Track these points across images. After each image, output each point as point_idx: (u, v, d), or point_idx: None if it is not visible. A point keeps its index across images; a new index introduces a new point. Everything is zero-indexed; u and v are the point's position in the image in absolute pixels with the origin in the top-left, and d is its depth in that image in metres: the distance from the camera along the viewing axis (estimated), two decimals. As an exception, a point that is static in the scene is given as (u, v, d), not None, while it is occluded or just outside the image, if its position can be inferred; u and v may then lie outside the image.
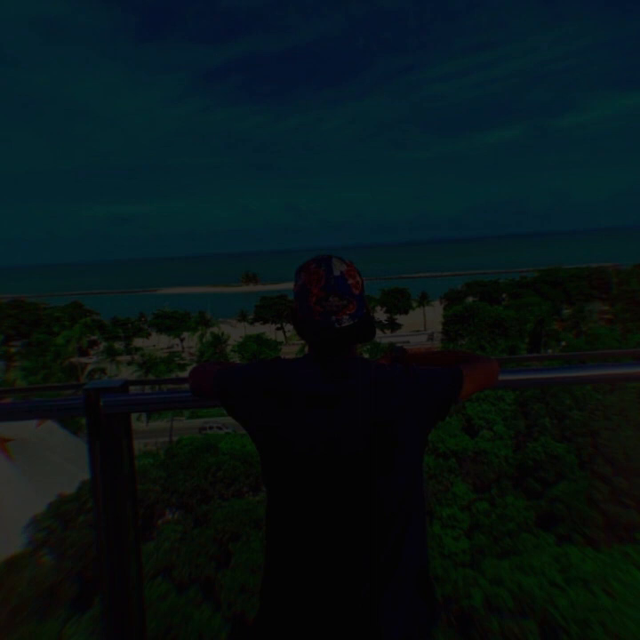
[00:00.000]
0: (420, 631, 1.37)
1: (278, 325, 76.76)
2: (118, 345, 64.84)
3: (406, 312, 78.66)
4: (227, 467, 18.28)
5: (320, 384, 1.34)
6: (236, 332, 69.84)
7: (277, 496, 1.39)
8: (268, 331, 71.66)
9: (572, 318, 59.35)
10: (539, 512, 16.58)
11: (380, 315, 76.59)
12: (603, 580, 7.99)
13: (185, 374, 1.90)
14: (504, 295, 73.65)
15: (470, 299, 70.33)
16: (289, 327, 74.41)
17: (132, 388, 1.80)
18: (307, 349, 1.44)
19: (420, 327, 75.61)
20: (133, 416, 1.85)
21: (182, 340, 74.29)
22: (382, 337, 60.91)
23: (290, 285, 1.62)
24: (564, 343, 47.64)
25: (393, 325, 77.16)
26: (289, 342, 62.89)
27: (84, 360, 58.33)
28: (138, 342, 74.52)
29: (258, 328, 74.12)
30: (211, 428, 34.63)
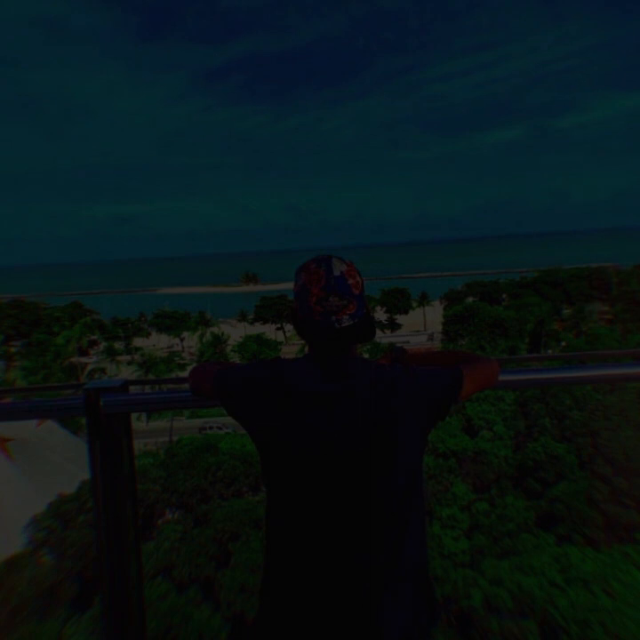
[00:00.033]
0: (420, 631, 1.37)
1: (278, 325, 76.76)
2: (118, 345, 64.87)
3: (406, 312, 78.67)
4: (226, 466, 18.29)
5: (320, 384, 1.34)
6: (235, 331, 69.85)
7: (277, 496, 1.39)
8: (268, 331, 71.66)
9: (572, 318, 59.36)
10: (539, 512, 16.58)
11: (380, 315, 76.59)
12: (603, 580, 8.00)
13: (185, 374, 1.90)
14: (504, 295, 73.67)
15: (470, 299, 70.32)
16: (289, 327, 74.42)
17: (132, 388, 1.80)
18: (307, 349, 1.44)
19: (420, 327, 75.61)
20: (133, 416, 1.85)
21: (182, 340, 74.30)
22: (382, 337, 60.92)
23: (290, 285, 1.62)
24: (564, 343, 47.65)
25: (393, 325, 77.16)
26: (289, 342, 62.90)
27: (83, 360, 58.34)
28: (138, 342, 74.51)
29: (258, 328, 74.13)
30: (211, 427, 34.64)
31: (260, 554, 12.62)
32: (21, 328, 67.48)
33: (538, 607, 8.30)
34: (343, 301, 1.36)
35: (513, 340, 47.83)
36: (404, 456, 1.34)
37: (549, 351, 49.24)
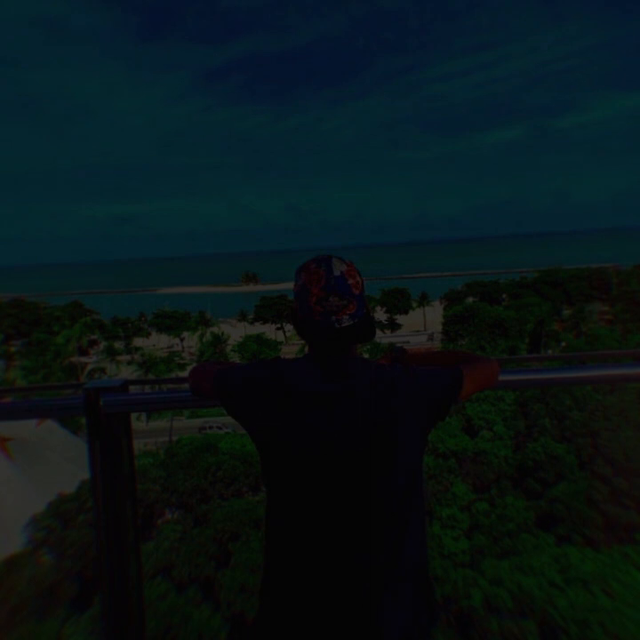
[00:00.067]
0: (419, 631, 1.37)
1: (278, 325, 76.77)
2: (118, 344, 64.84)
3: (406, 312, 78.66)
4: (226, 466, 18.29)
5: (320, 384, 1.34)
6: (235, 331, 69.86)
7: (277, 496, 1.39)
8: (268, 331, 71.67)
9: (572, 319, 59.36)
10: (538, 512, 16.59)
11: (380, 315, 76.59)
12: (602, 580, 8.00)
13: (185, 374, 1.90)
14: (504, 295, 73.67)
15: (470, 299, 70.34)
16: (289, 327, 74.43)
17: (132, 388, 1.80)
18: (307, 349, 1.44)
19: (420, 327, 75.62)
20: (133, 416, 1.85)
21: (182, 340, 74.30)
22: (382, 337, 60.92)
23: (290, 285, 1.62)
24: (564, 344, 47.66)
25: (393, 325, 77.16)
26: (289, 342, 62.90)
27: (83, 359, 58.35)
28: (138, 342, 74.53)
29: (258, 328, 74.14)
30: (210, 427, 34.64)
31: (259, 554, 12.62)
32: (21, 327, 67.48)
33: (537, 607, 8.30)
34: (343, 301, 1.36)
35: (513, 341, 47.84)
36: (404, 456, 1.33)
37: (549, 351, 49.24)
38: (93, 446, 1.71)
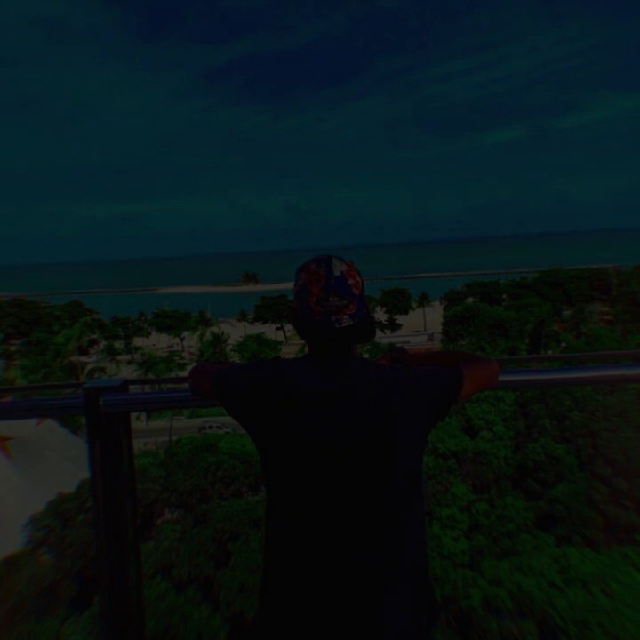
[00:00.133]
0: (419, 631, 1.37)
1: (278, 325, 76.78)
2: (118, 344, 64.83)
3: (406, 312, 78.66)
4: (226, 466, 18.29)
5: (320, 384, 1.34)
6: (235, 331, 69.87)
7: (277, 496, 1.39)
8: (268, 330, 71.66)
9: (573, 319, 59.35)
10: (538, 513, 16.59)
11: (380, 315, 76.59)
12: (602, 581, 8.00)
13: (185, 374, 1.90)
14: (504, 296, 73.66)
15: (470, 299, 70.34)
16: (289, 327, 74.44)
17: (132, 388, 1.80)
18: (307, 349, 1.44)
19: (420, 327, 75.62)
20: (133, 415, 1.85)
21: (182, 340, 74.31)
22: (382, 337, 60.92)
23: (290, 285, 1.62)
24: (564, 344, 47.64)
25: (393, 325, 77.15)
26: (289, 342, 62.91)
27: (83, 359, 58.33)
28: (138, 341, 74.53)
29: (258, 328, 74.14)
30: (210, 427, 34.64)
31: (259, 554, 12.62)
32: (21, 327, 67.51)
33: (537, 608, 8.30)
34: (343, 301, 1.36)
35: (513, 341, 47.84)
36: (404, 456, 1.34)
37: (549, 352, 49.25)
38: (93, 446, 1.71)
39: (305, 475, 1.32)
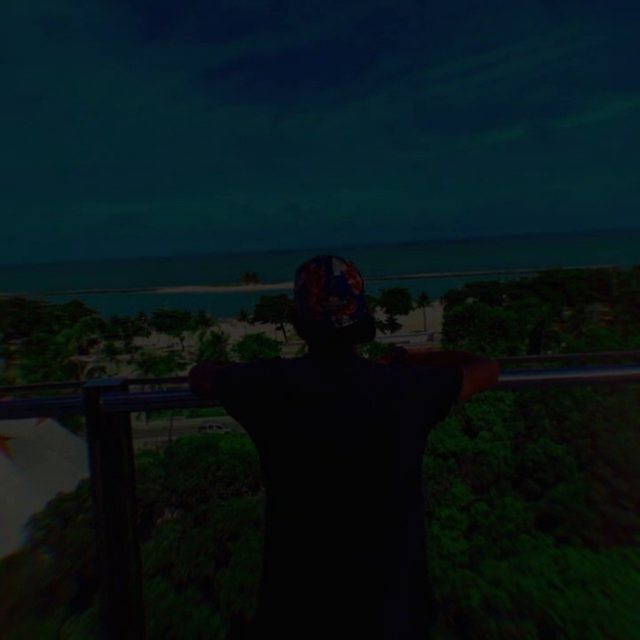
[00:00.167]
0: (419, 631, 1.38)
1: (278, 325, 76.79)
2: (118, 344, 64.81)
3: (406, 312, 78.66)
4: (226, 466, 18.29)
5: (320, 384, 1.35)
6: (235, 331, 69.85)
7: (276, 496, 1.39)
8: (268, 330, 71.67)
9: (573, 319, 59.35)
10: (537, 513, 16.59)
11: (380, 315, 76.58)
12: (601, 581, 8.00)
13: (185, 373, 1.90)
14: (504, 296, 73.66)
15: (470, 299, 70.32)
16: (289, 327, 74.43)
17: (132, 387, 1.80)
18: (307, 349, 1.44)
19: (420, 328, 75.60)
20: (133, 415, 1.85)
21: (182, 340, 74.30)
22: (382, 337, 60.92)
23: (290, 285, 1.62)
24: (563, 344, 47.63)
25: (393, 325, 77.15)
26: (289, 342, 62.90)
27: (83, 359, 58.31)
28: (138, 341, 74.51)
29: (258, 327, 74.15)
30: (210, 427, 34.63)
31: (259, 553, 12.62)
32: (21, 326, 67.53)
33: (536, 608, 8.30)
34: (343, 301, 1.36)
35: (513, 341, 47.83)
36: (404, 456, 1.34)
37: (549, 352, 49.25)
38: (93, 445, 1.71)
39: (305, 475, 1.32)
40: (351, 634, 1.30)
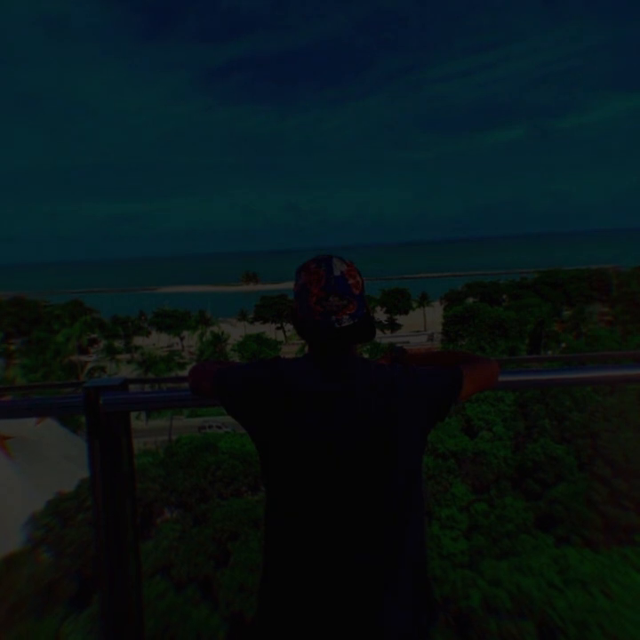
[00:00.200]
0: (419, 631, 1.37)
1: (278, 325, 76.81)
2: (118, 343, 64.84)
3: (406, 312, 78.68)
4: (226, 466, 18.29)
5: (320, 384, 1.34)
6: (235, 331, 69.87)
7: (276, 496, 1.39)
8: (268, 330, 71.69)
9: (573, 320, 59.37)
10: (537, 513, 16.60)
11: (380, 315, 76.59)
12: (601, 581, 8.00)
13: (185, 373, 1.90)
14: (504, 296, 73.67)
15: (470, 299, 70.34)
16: (289, 327, 74.44)
17: (132, 387, 1.80)
18: (307, 349, 1.44)
19: (420, 328, 75.62)
20: (133, 415, 1.85)
21: (182, 339, 74.32)
22: (382, 337, 60.92)
23: (290, 285, 1.62)
24: (564, 344, 47.65)
25: (393, 326, 77.17)
26: (289, 342, 62.92)
27: (83, 358, 58.34)
28: (138, 341, 74.49)
29: (258, 327, 74.17)
30: (210, 426, 34.64)
31: (258, 553, 12.62)
32: (21, 326, 67.53)
33: (536, 608, 8.30)
34: (343, 301, 1.36)
35: (513, 341, 47.84)
36: (404, 456, 1.33)
37: (549, 352, 49.25)
38: (93, 445, 1.71)
39: (305, 475, 1.32)
40: (351, 634, 1.30)
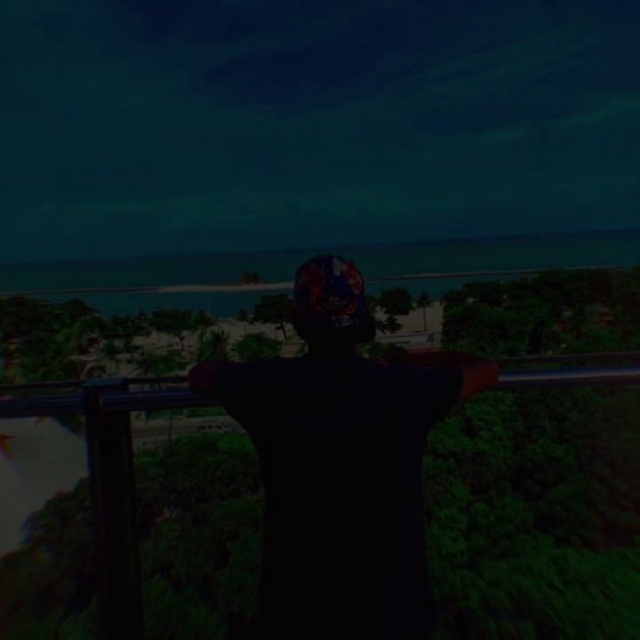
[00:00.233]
0: (419, 631, 1.38)
1: (278, 324, 76.81)
2: (118, 343, 64.83)
3: (406, 312, 78.67)
4: (225, 466, 18.29)
5: (320, 384, 1.34)
6: (235, 330, 69.86)
7: (276, 496, 1.39)
8: (268, 330, 71.69)
9: (573, 320, 59.39)
10: (537, 514, 16.59)
11: (380, 315, 76.58)
12: (600, 582, 8.00)
13: (184, 373, 1.90)
14: (504, 296, 73.67)
15: (470, 300, 70.34)
16: (289, 326, 74.43)
17: (132, 387, 1.80)
18: (307, 349, 1.44)
19: (420, 328, 75.61)
20: (132, 414, 1.85)
21: (182, 339, 74.32)
22: (382, 337, 60.93)
23: (290, 285, 1.62)
24: (563, 345, 47.66)
25: (393, 326, 77.17)
26: (289, 341, 62.91)
27: (83, 358, 58.32)
28: (138, 340, 74.51)
29: (258, 327, 74.18)
30: (210, 426, 34.64)
31: (258, 553, 12.62)
32: (21, 325, 67.57)
33: (535, 608, 8.30)
34: (343, 301, 1.36)
35: (513, 341, 47.85)
36: (404, 456, 1.33)
37: (549, 352, 49.26)
38: (93, 444, 1.71)
39: (305, 475, 1.32)
40: (351, 634, 1.30)
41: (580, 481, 17.09)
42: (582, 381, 1.86)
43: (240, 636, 10.86)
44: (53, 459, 20.16)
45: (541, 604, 8.33)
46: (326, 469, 1.31)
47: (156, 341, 75.42)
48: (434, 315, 75.23)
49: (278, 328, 76.88)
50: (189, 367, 1.65)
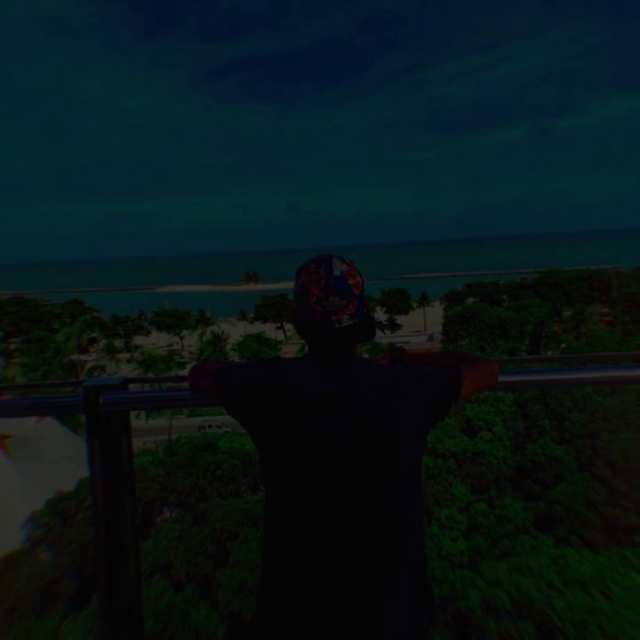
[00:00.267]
0: (419, 631, 1.38)
1: (278, 324, 76.80)
2: (118, 342, 64.81)
3: (406, 312, 78.67)
4: (225, 465, 18.28)
5: (320, 384, 1.34)
6: (235, 330, 69.87)
7: (276, 495, 1.39)
8: (268, 330, 71.68)
9: (573, 320, 59.38)
10: (537, 514, 16.58)
11: (380, 315, 76.58)
12: (600, 582, 8.00)
13: (184, 372, 1.89)
14: (504, 296, 73.67)
15: (470, 300, 70.33)
16: (289, 326, 74.43)
17: (132, 386, 1.80)
18: (307, 349, 1.44)
19: (420, 328, 75.62)
20: (132, 414, 1.85)
21: (182, 339, 74.32)
22: (382, 337, 60.93)
23: (290, 285, 1.62)
24: (563, 345, 47.67)
25: (393, 326, 77.16)
26: (289, 341, 62.90)
27: (83, 357, 58.33)
28: (138, 340, 74.51)
29: (258, 327, 74.17)
30: (210, 426, 34.64)
31: (258, 553, 12.62)
32: (21, 325, 67.58)
33: (535, 608, 8.30)
34: (343, 301, 1.36)
35: (513, 342, 47.83)
36: (404, 456, 1.33)
37: (549, 352, 49.25)
38: (93, 444, 1.71)
39: (305, 474, 1.32)
40: (351, 634, 1.30)
41: (580, 481, 17.08)
42: (582, 381, 1.86)
43: (240, 636, 10.86)
44: (53, 458, 20.16)
45: (541, 604, 8.33)
46: (326, 469, 1.31)
47: (156, 341, 75.43)
48: (434, 315, 75.22)
49: (278, 328, 76.88)
50: (189, 367, 1.64)
